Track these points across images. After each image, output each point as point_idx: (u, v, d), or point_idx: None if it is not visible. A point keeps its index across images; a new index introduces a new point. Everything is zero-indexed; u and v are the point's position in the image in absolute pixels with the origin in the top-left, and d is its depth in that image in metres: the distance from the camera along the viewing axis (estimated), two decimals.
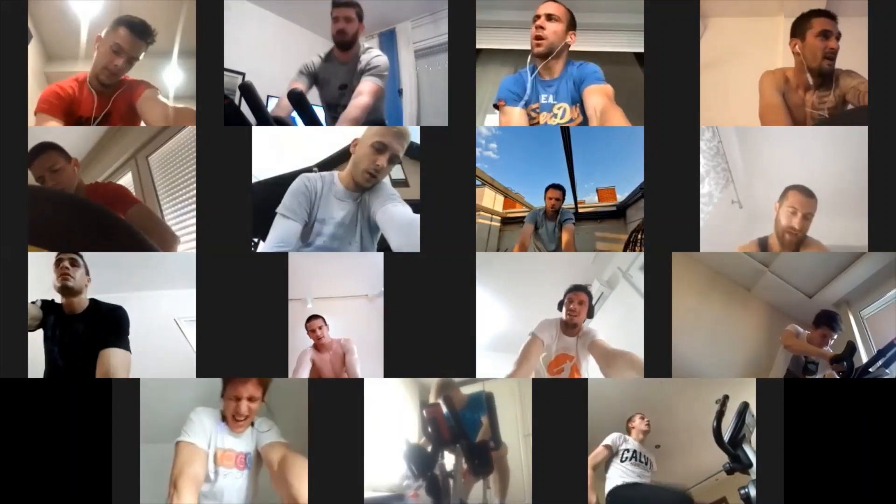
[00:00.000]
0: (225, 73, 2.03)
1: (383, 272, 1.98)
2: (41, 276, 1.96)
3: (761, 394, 1.97)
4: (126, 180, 2.37)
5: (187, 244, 2.02)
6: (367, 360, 2.05)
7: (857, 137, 1.98)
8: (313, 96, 2.32)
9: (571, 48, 2.10)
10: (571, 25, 2.08)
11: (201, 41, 2.01)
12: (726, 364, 2.06)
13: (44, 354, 1.98)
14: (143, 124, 2.09)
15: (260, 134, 2.01)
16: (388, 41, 2.70)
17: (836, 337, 2.07)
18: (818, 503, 1.93)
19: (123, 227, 1.96)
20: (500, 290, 2.03)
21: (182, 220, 2.18)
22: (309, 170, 2.16)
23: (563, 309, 2.10)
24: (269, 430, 1.98)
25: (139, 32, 2.06)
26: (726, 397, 1.98)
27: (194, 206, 2.00)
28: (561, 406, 1.97)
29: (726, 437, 1.95)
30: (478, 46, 2.04)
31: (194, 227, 1.99)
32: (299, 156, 2.23)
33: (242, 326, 1.97)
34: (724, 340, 2.09)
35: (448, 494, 2.02)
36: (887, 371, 1.96)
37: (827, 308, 2.11)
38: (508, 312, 2.08)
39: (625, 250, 2.10)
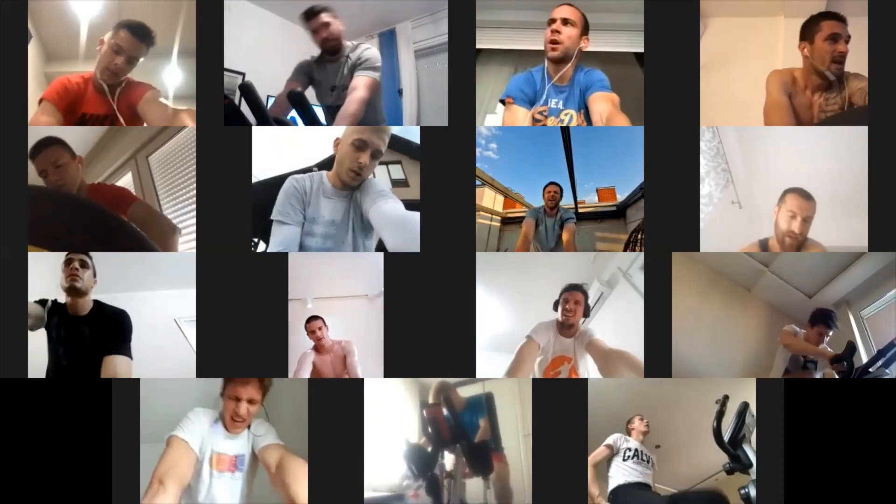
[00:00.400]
0: (225, 73, 2.03)
1: (383, 272, 1.98)
2: (41, 276, 1.96)
3: (761, 394, 1.97)
4: (126, 180, 2.37)
5: (187, 244, 2.02)
6: (367, 360, 2.05)
7: (857, 137, 1.98)
8: (311, 96, 2.32)
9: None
10: (585, 30, 2.09)
11: (201, 41, 2.01)
12: (726, 364, 2.06)
13: (47, 355, 1.98)
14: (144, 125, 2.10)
15: (260, 134, 2.01)
16: (388, 41, 2.70)
17: (831, 334, 2.07)
18: (818, 503, 1.93)
19: (123, 226, 1.96)
20: (500, 290, 2.03)
21: (182, 220, 2.18)
22: (309, 170, 2.16)
23: (559, 309, 2.10)
24: (266, 434, 1.98)
25: (140, 34, 2.06)
26: (726, 397, 1.98)
27: (194, 206, 2.00)
28: (561, 406, 1.97)
29: (726, 437, 1.96)
30: (478, 46, 2.04)
31: (194, 227, 1.99)
32: (299, 156, 2.23)
33: (242, 326, 1.97)
34: (724, 340, 2.09)
35: (448, 494, 2.02)
36: (887, 371, 1.96)
37: (823, 307, 2.12)
38: (508, 312, 2.08)
39: (625, 250, 2.10)
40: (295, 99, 2.14)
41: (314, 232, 1.99)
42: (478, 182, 2.03)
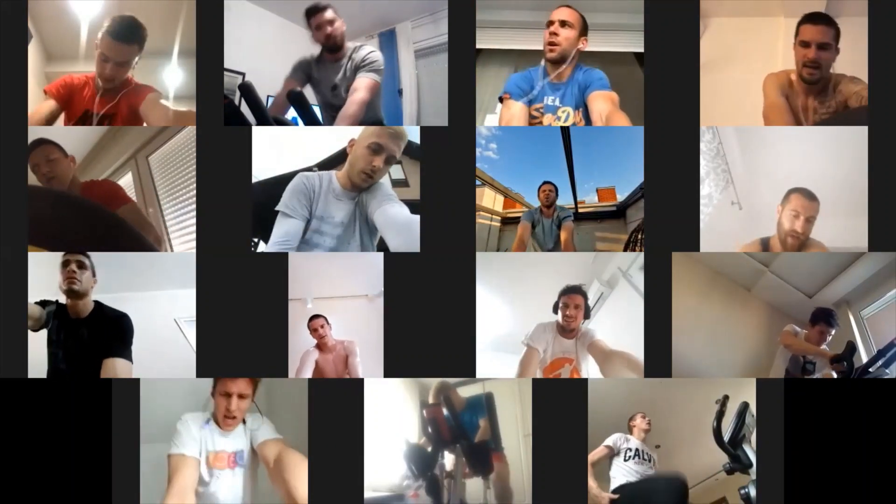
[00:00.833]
0: (225, 73, 2.03)
1: (383, 272, 1.98)
2: (41, 276, 1.96)
3: (761, 394, 1.97)
4: (126, 180, 2.37)
5: (187, 244, 2.02)
6: (367, 360, 2.05)
7: (857, 138, 1.98)
8: (309, 94, 2.32)
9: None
10: (584, 31, 2.09)
11: (201, 41, 2.01)
12: (726, 364, 2.06)
13: (47, 357, 1.98)
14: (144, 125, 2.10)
15: (260, 134, 2.01)
16: (388, 41, 2.70)
17: (833, 332, 2.07)
18: (818, 503, 1.93)
19: (123, 226, 1.96)
20: (500, 290, 2.03)
21: (182, 220, 2.18)
22: (309, 170, 2.16)
23: (559, 314, 2.09)
24: (262, 427, 1.97)
25: (125, 37, 2.05)
26: (726, 397, 1.98)
27: (194, 206, 2.00)
28: (561, 406, 1.97)
29: (726, 437, 1.96)
30: (478, 46, 2.04)
31: (194, 227, 1.99)
32: (299, 156, 2.23)
33: (242, 326, 1.96)
34: (724, 340, 2.09)
35: (448, 494, 2.02)
36: (887, 371, 1.96)
37: (824, 306, 2.12)
38: (508, 312, 2.08)
39: (625, 250, 2.10)
40: (294, 98, 2.14)
41: (324, 231, 1.99)
42: (478, 182, 2.03)
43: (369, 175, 1.97)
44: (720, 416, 1.97)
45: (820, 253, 2.01)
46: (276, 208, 1.97)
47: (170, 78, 2.08)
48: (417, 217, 1.93)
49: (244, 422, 1.98)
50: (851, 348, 2.02)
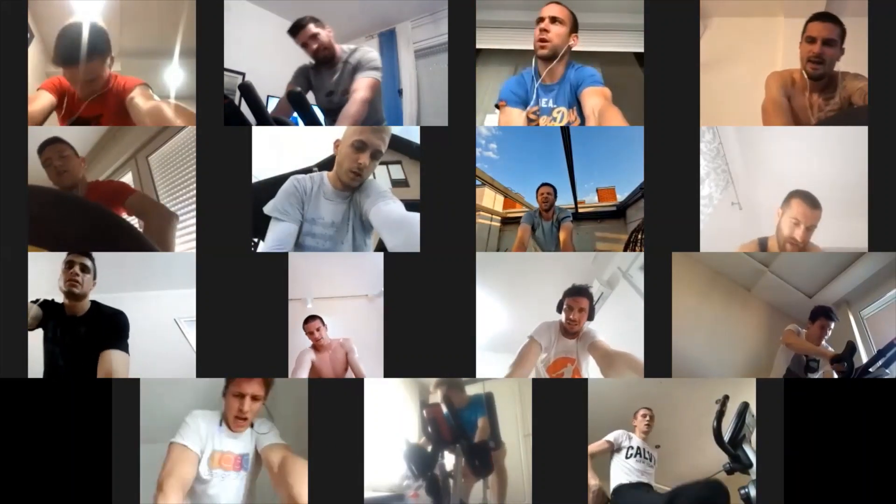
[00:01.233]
0: (225, 73, 2.03)
1: (383, 272, 1.98)
2: (41, 276, 1.96)
3: (761, 394, 1.97)
4: (126, 180, 2.37)
5: (187, 244, 2.02)
6: (367, 360, 2.05)
7: (857, 137, 1.98)
8: (310, 99, 2.32)
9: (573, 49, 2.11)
10: (574, 28, 2.09)
11: (201, 41, 2.01)
12: (726, 364, 2.06)
13: (43, 355, 1.98)
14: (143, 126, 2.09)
15: (260, 134, 2.01)
16: (388, 41, 2.70)
17: (833, 326, 2.08)
18: (818, 503, 1.93)
19: (123, 226, 1.97)
20: (500, 290, 2.03)
21: (182, 220, 2.18)
22: (309, 170, 2.16)
23: (563, 315, 2.09)
24: (269, 432, 1.98)
25: (72, 60, 2.00)
26: (726, 397, 1.98)
27: (194, 206, 2.00)
28: (561, 406, 1.97)
29: (726, 437, 1.96)
30: (478, 46, 2.04)
31: (194, 227, 1.99)
32: (299, 156, 2.23)
33: (242, 326, 1.97)
34: (724, 340, 2.09)
35: (448, 494, 2.02)
36: (887, 371, 1.96)
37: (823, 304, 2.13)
38: (508, 312, 2.08)
39: (625, 250, 2.10)
40: (295, 99, 2.14)
41: (314, 232, 1.99)
42: (478, 182, 2.03)
43: (357, 173, 1.96)
44: (720, 416, 1.97)
45: (820, 253, 2.01)
46: (267, 213, 1.96)
47: (170, 78, 2.08)
48: (413, 214, 1.93)
49: (252, 425, 1.98)
50: (851, 348, 2.02)
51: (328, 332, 2.09)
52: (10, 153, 1.98)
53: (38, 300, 1.97)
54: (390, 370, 1.97)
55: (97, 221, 1.93)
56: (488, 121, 2.14)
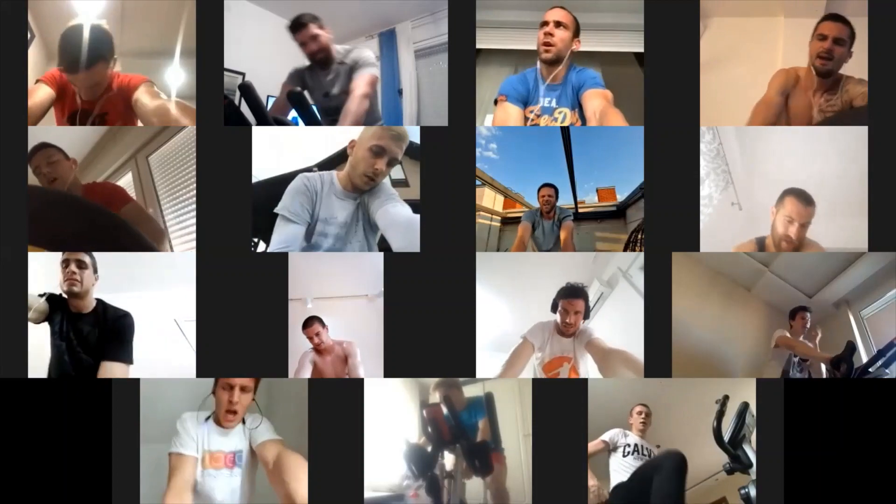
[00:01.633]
0: (225, 73, 2.03)
1: (383, 272, 1.98)
2: (41, 276, 1.96)
3: (761, 394, 1.97)
4: (126, 180, 2.37)
5: (187, 244, 2.02)
6: (367, 360, 2.05)
7: (857, 137, 1.98)
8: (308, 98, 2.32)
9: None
10: (577, 32, 2.11)
11: (201, 41, 2.01)
12: (726, 364, 2.06)
13: (49, 349, 1.97)
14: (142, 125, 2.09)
15: (260, 134, 2.01)
16: (388, 41, 2.71)
17: (809, 315, 2.10)
18: (818, 503, 1.93)
19: (122, 226, 1.96)
20: (501, 290, 2.03)
21: (182, 220, 2.19)
22: (309, 170, 2.16)
23: (559, 318, 2.08)
24: (260, 426, 1.97)
25: (88, 61, 2.01)
26: (726, 397, 1.98)
27: (194, 206, 2.00)
28: (561, 406, 1.97)
29: (726, 437, 1.96)
30: (478, 46, 2.04)
31: (194, 227, 1.99)
32: (299, 156, 2.23)
33: (242, 326, 1.97)
34: (724, 340, 2.09)
35: (448, 494, 2.02)
36: (887, 371, 1.96)
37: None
38: (509, 312, 2.08)
39: (625, 250, 2.10)
40: (295, 98, 2.15)
41: (327, 232, 1.98)
42: (478, 182, 2.03)
43: (371, 178, 1.95)
44: (720, 416, 1.97)
45: (820, 253, 2.01)
46: (276, 211, 1.95)
47: (170, 78, 2.08)
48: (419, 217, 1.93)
49: (244, 421, 1.98)
50: (851, 348, 2.02)
51: (329, 333, 2.09)
52: (10, 153, 1.98)
53: (44, 294, 1.97)
54: (390, 370, 1.97)
55: (97, 221, 1.93)
56: (488, 121, 2.15)
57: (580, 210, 2.26)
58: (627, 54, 2.11)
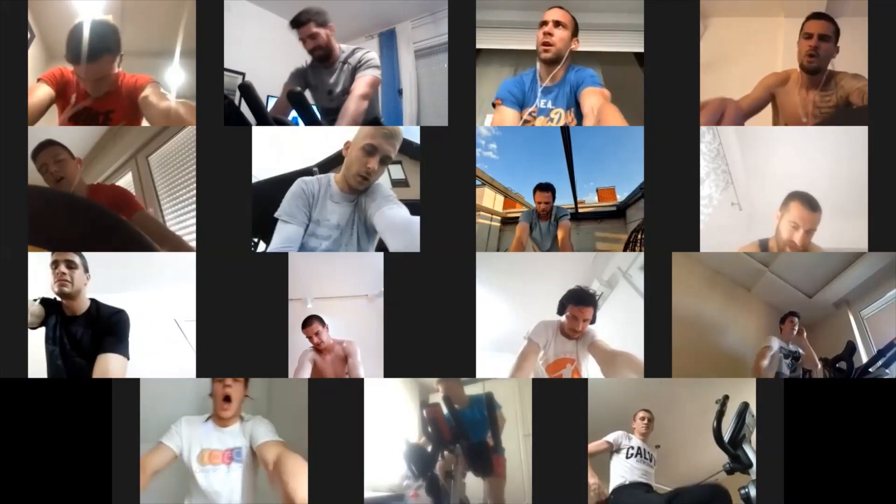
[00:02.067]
0: (225, 73, 2.03)
1: (383, 272, 1.98)
2: (41, 276, 1.96)
3: (761, 394, 1.97)
4: (126, 180, 2.37)
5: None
6: (367, 360, 2.05)
7: (857, 137, 1.98)
8: (308, 96, 2.32)
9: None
10: (575, 32, 2.12)
11: (201, 41, 2.01)
12: (726, 364, 2.06)
13: (45, 354, 1.97)
14: (144, 122, 2.09)
15: (260, 134, 2.01)
16: (388, 41, 2.70)
17: (797, 319, 2.10)
18: (818, 503, 1.93)
19: (123, 226, 1.96)
20: (501, 290, 2.03)
21: (182, 220, 2.19)
22: (309, 170, 2.16)
23: (566, 322, 2.07)
24: (260, 426, 1.98)
25: (80, 58, 2.01)
26: (726, 397, 1.98)
27: (194, 206, 2.00)
28: (561, 406, 1.97)
29: (726, 437, 1.96)
30: (478, 46, 2.04)
31: (194, 227, 1.99)
32: (299, 156, 2.23)
33: (242, 326, 1.97)
34: (724, 340, 2.09)
35: (448, 494, 2.02)
36: (887, 371, 1.96)
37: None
38: (509, 312, 2.08)
39: (625, 250, 2.10)
40: (295, 98, 2.14)
41: (317, 233, 1.99)
42: (478, 182, 2.03)
43: (364, 177, 1.96)
44: (720, 416, 1.97)
45: (820, 253, 2.01)
46: (276, 215, 1.96)
47: (170, 78, 2.08)
48: (417, 218, 1.93)
49: (242, 418, 1.98)
50: (851, 348, 2.02)
51: (328, 333, 2.09)
52: (10, 153, 1.98)
53: (38, 299, 1.96)
54: (390, 370, 1.97)
55: (97, 221, 1.93)
56: (488, 121, 2.15)
57: (580, 210, 2.26)
58: (627, 54, 2.10)
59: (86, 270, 1.96)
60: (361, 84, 2.20)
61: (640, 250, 2.02)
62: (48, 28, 2.10)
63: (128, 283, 2.04)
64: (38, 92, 2.03)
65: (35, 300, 1.96)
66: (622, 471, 2.05)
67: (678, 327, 1.97)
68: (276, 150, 2.08)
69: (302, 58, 2.34)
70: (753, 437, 1.95)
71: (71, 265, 1.93)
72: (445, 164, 2.00)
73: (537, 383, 2.00)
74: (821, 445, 1.94)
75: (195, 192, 1.99)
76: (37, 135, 2.02)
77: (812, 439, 1.94)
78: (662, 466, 2.08)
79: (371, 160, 1.93)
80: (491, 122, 2.14)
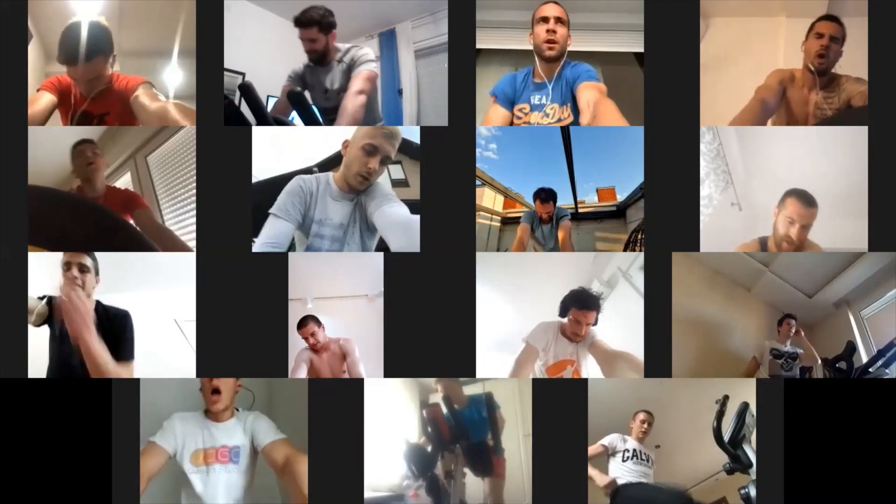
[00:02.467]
0: (225, 73, 2.03)
1: (383, 272, 1.98)
2: (41, 276, 1.95)
3: (761, 394, 1.97)
4: (125, 180, 2.37)
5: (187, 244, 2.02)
6: (367, 360, 2.05)
7: (857, 137, 1.98)
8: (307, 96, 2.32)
9: (570, 49, 2.12)
10: (569, 27, 2.11)
11: (201, 41, 2.01)
12: (726, 364, 2.06)
13: (48, 353, 1.97)
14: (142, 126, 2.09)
15: (260, 134, 2.01)
16: (388, 41, 2.70)
17: (794, 322, 2.09)
18: (818, 503, 1.93)
19: (123, 226, 1.96)
20: (501, 290, 2.03)
21: (182, 220, 2.19)
22: (309, 169, 2.16)
23: (568, 325, 2.06)
24: (259, 419, 1.98)
25: (73, 58, 2.01)
26: (726, 397, 1.98)
27: (193, 206, 2.00)
28: (561, 406, 1.97)
29: (726, 437, 1.96)
30: (478, 46, 2.04)
31: (194, 227, 1.99)
32: (299, 156, 2.23)
33: (242, 326, 1.97)
34: (724, 340, 2.09)
35: (448, 494, 2.02)
36: (887, 371, 1.96)
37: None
38: (509, 312, 2.08)
39: (625, 250, 2.10)
40: (295, 98, 2.14)
41: (322, 234, 1.98)
42: (478, 182, 2.03)
43: (365, 177, 1.95)
44: (720, 416, 1.97)
45: (820, 253, 2.01)
46: (269, 211, 1.95)
47: (168, 78, 2.08)
48: (417, 216, 1.93)
49: (236, 411, 1.98)
50: (851, 348, 2.02)
51: (326, 332, 2.09)
52: (10, 153, 1.98)
53: (43, 297, 1.96)
54: (390, 370, 1.97)
55: (97, 221, 1.93)
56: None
57: (580, 210, 2.26)
58: (627, 54, 2.10)
59: (96, 273, 1.95)
60: (358, 80, 2.20)
61: (640, 250, 2.02)
62: (46, 29, 2.09)
63: (128, 283, 2.04)
64: (42, 101, 2.03)
65: (42, 298, 1.95)
66: (621, 473, 2.04)
67: (678, 327, 1.97)
68: (276, 150, 2.08)
69: (301, 56, 2.34)
70: (753, 437, 1.95)
71: (84, 269, 1.91)
72: (445, 164, 2.00)
73: (537, 383, 2.00)
74: (821, 445, 1.94)
75: (195, 192, 1.99)
76: (36, 134, 2.02)
77: (812, 439, 1.94)
78: (662, 466, 2.08)
79: (371, 160, 1.93)
80: (483, 119, 2.13)
